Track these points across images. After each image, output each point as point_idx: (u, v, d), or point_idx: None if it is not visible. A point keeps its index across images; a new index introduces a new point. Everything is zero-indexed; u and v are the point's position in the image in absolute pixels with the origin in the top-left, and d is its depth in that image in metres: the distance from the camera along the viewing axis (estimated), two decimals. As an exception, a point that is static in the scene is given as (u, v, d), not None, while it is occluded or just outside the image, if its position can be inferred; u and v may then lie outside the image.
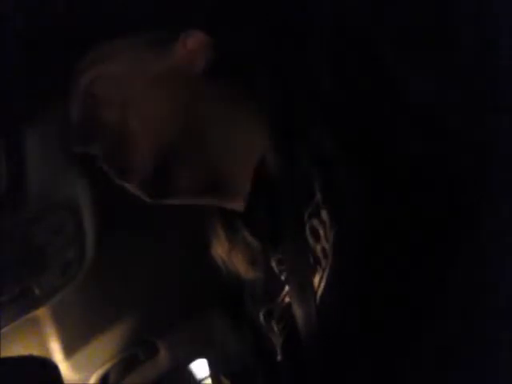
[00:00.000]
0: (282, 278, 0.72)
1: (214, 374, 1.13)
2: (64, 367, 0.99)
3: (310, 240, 0.64)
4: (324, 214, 0.62)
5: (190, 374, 1.14)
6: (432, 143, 0.56)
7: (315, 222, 0.64)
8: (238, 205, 0.74)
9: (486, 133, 0.55)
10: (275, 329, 0.75)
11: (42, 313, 0.93)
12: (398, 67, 0.55)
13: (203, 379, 1.14)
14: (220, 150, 0.71)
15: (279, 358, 0.74)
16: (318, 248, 0.63)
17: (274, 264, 0.74)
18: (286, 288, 0.71)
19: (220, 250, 0.80)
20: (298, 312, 0.66)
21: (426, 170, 0.57)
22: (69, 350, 0.99)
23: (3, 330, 0.86)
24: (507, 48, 0.53)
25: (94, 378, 1.06)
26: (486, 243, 0.53)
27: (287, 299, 0.71)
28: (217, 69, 0.70)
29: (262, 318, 0.77)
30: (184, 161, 0.71)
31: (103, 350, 1.04)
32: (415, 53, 0.54)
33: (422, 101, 0.55)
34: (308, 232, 0.65)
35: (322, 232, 0.63)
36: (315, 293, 0.64)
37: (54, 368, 0.71)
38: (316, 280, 0.64)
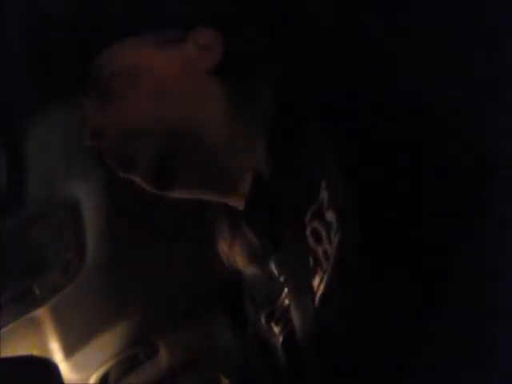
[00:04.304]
0: (281, 279, 0.72)
1: (214, 373, 1.13)
2: (64, 367, 0.99)
3: (311, 242, 0.64)
4: (330, 215, 0.61)
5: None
6: (432, 144, 0.56)
7: (317, 223, 0.64)
8: (239, 202, 0.74)
9: (486, 132, 0.55)
10: (275, 330, 0.75)
11: (42, 313, 0.93)
12: (398, 68, 0.55)
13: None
14: (220, 148, 0.72)
15: (279, 358, 0.74)
16: (320, 250, 0.63)
17: (273, 265, 0.74)
18: (286, 290, 0.71)
19: (223, 244, 0.81)
20: (296, 314, 0.66)
21: (426, 170, 0.57)
22: (69, 350, 0.99)
23: (3, 330, 0.86)
24: (507, 47, 0.53)
25: (93, 378, 1.06)
26: (486, 243, 0.53)
27: (287, 301, 0.71)
28: (224, 67, 0.71)
29: (263, 319, 0.77)
30: (185, 155, 0.71)
31: (103, 349, 1.04)
32: (415, 53, 0.54)
33: (422, 101, 0.55)
34: (309, 234, 0.64)
35: (324, 234, 0.63)
36: (314, 294, 0.64)
37: (54, 368, 0.71)
38: (316, 282, 0.64)
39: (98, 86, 0.74)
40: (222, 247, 0.81)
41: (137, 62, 0.73)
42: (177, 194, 0.75)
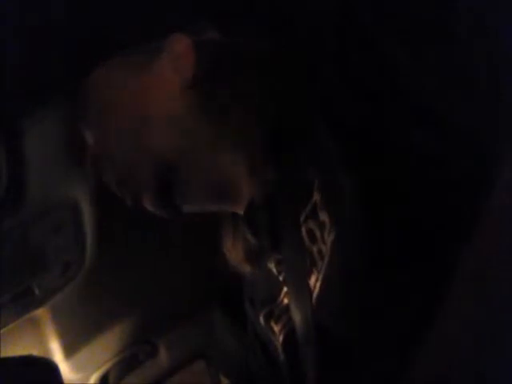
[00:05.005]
0: (281, 278, 0.72)
1: (214, 373, 1.13)
2: (64, 367, 0.99)
3: (307, 242, 0.64)
4: (323, 215, 0.62)
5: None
6: (432, 143, 0.56)
7: (311, 223, 0.64)
8: (240, 208, 0.74)
9: (487, 132, 0.55)
10: (274, 329, 0.75)
11: (42, 313, 0.93)
12: (399, 68, 0.55)
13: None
14: (217, 163, 0.70)
15: (279, 357, 0.74)
16: (315, 249, 0.64)
17: (273, 265, 0.74)
18: (285, 289, 0.72)
19: (227, 240, 0.81)
20: (295, 312, 0.66)
21: (425, 170, 0.57)
22: (69, 350, 0.99)
23: (3, 330, 0.86)
24: (508, 47, 0.53)
25: (93, 378, 1.06)
26: (485, 244, 0.53)
27: (286, 300, 0.71)
28: (202, 75, 0.67)
29: (262, 318, 0.77)
30: (184, 178, 0.70)
31: (103, 349, 1.04)
32: (416, 52, 0.54)
33: (423, 101, 0.55)
34: (304, 234, 0.65)
35: (318, 234, 0.63)
36: (311, 293, 0.64)
37: (54, 368, 0.71)
38: (312, 281, 0.64)
39: (86, 116, 0.74)
40: (226, 246, 0.81)
41: (117, 91, 0.71)
42: (185, 210, 0.75)
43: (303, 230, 0.65)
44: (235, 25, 0.70)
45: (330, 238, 0.61)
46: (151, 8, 0.73)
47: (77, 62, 0.75)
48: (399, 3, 0.57)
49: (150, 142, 0.69)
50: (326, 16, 0.61)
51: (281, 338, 0.73)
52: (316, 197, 0.63)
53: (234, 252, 0.80)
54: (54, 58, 0.75)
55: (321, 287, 0.63)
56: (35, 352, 0.95)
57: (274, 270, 0.74)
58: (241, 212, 0.75)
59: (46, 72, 0.76)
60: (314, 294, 0.63)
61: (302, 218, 0.65)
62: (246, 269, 0.79)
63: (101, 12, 0.74)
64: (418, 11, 0.57)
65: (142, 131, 0.69)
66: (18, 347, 0.93)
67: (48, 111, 0.81)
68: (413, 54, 0.55)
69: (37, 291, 0.88)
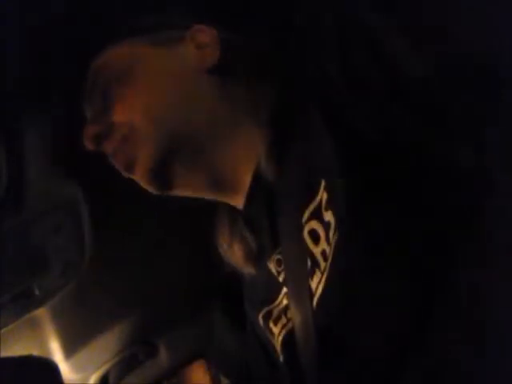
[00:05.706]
0: (280, 279, 0.72)
1: (214, 373, 1.13)
2: (64, 367, 0.99)
3: (309, 242, 0.64)
4: (328, 215, 0.61)
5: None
6: (432, 143, 0.56)
7: (315, 223, 0.63)
8: (239, 202, 0.74)
9: (487, 132, 0.55)
10: (273, 330, 0.75)
11: (42, 313, 0.93)
12: (399, 68, 0.55)
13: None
14: (220, 149, 0.72)
15: (279, 358, 0.74)
16: (318, 250, 0.63)
17: (272, 265, 0.74)
18: (284, 289, 0.71)
19: (223, 240, 0.81)
20: (295, 314, 0.66)
21: (426, 170, 0.57)
22: (69, 350, 0.99)
23: (3, 330, 0.86)
24: (508, 46, 0.53)
25: (93, 378, 1.05)
26: (486, 243, 0.53)
27: (285, 301, 0.71)
28: (223, 66, 0.70)
29: (260, 319, 0.77)
30: (184, 158, 0.71)
31: (103, 350, 1.04)
32: (417, 52, 0.54)
33: (423, 101, 0.55)
34: (307, 234, 0.64)
35: (322, 234, 0.62)
36: (312, 295, 0.63)
37: (54, 368, 0.71)
38: (314, 282, 0.63)
39: (96, 90, 0.74)
40: (222, 245, 0.81)
41: (135, 62, 0.73)
42: (176, 193, 0.75)
43: (305, 230, 0.64)
44: (238, 24, 0.71)
45: (334, 239, 0.60)
46: (151, 8, 0.73)
47: (77, 61, 0.75)
48: (399, 3, 0.57)
49: (161, 113, 0.71)
50: (326, 16, 0.61)
51: (280, 339, 0.73)
52: (322, 196, 0.62)
53: (230, 251, 0.80)
54: (54, 58, 0.76)
55: (323, 289, 0.62)
56: (35, 352, 0.94)
57: (274, 271, 0.74)
58: (238, 206, 0.75)
59: (46, 72, 0.77)
60: (317, 296, 0.63)
61: (304, 218, 0.64)
62: (245, 268, 0.79)
63: (101, 12, 0.75)
64: (418, 11, 0.57)
65: (156, 100, 0.71)
66: (18, 347, 0.93)
67: (48, 111, 0.81)
68: (413, 53, 0.55)
69: (37, 291, 0.88)
